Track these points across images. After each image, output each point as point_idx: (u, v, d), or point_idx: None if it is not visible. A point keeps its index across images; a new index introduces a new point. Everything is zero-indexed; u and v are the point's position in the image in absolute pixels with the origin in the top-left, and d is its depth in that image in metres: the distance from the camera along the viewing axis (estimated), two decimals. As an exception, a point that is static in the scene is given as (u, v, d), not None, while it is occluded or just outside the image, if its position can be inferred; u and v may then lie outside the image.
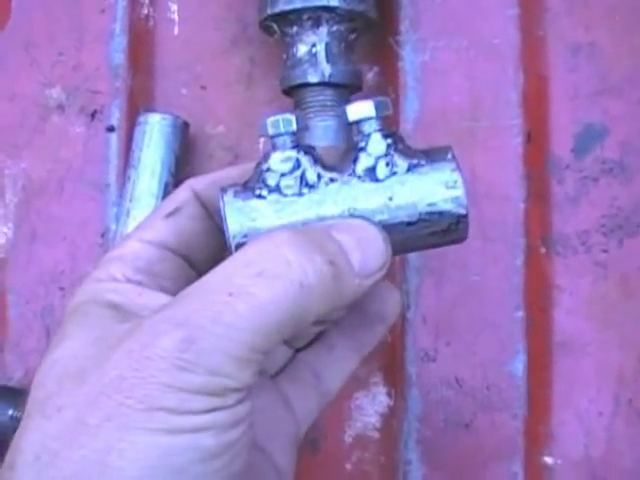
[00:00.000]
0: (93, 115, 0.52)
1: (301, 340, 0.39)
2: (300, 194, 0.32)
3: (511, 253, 0.49)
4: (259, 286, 0.28)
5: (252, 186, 0.33)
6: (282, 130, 0.33)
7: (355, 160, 0.33)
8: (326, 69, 0.46)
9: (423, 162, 0.33)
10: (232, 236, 0.32)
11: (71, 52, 0.52)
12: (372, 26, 0.48)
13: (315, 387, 0.39)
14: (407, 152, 0.33)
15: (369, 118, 0.33)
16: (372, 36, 0.50)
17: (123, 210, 0.49)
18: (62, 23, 0.53)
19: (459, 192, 0.33)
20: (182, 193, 0.36)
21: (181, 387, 0.28)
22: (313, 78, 0.46)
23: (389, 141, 0.33)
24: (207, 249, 0.36)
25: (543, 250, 0.50)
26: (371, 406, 0.51)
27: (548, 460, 0.49)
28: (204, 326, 0.28)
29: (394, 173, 0.33)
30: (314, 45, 0.46)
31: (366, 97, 0.34)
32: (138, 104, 0.52)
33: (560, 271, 0.50)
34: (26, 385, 0.51)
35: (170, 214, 0.35)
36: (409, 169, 0.33)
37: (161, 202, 0.37)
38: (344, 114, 0.33)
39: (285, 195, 0.32)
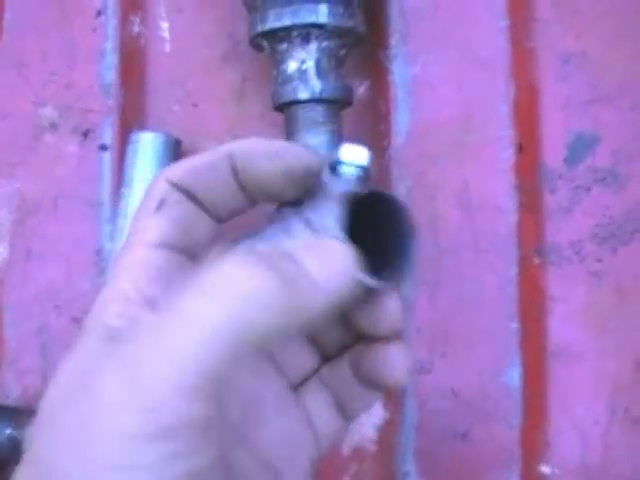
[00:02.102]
0: (86, 134, 0.52)
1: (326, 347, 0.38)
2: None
3: (505, 264, 0.49)
4: (200, 305, 0.27)
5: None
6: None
7: None
8: (316, 85, 0.46)
9: None
10: None
11: (63, 71, 0.53)
12: (362, 41, 0.49)
13: (337, 408, 0.37)
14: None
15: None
16: (362, 50, 0.51)
17: (117, 228, 0.49)
18: (53, 42, 0.53)
19: None
20: (160, 185, 0.34)
21: (122, 431, 0.26)
22: (303, 94, 0.46)
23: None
24: (199, 232, 0.34)
25: (537, 260, 0.50)
26: (367, 418, 0.51)
27: (545, 469, 0.49)
28: (148, 360, 0.26)
29: None
30: (304, 61, 0.46)
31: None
32: (130, 122, 0.52)
33: (554, 281, 0.50)
34: (23, 404, 0.51)
35: (158, 208, 0.33)
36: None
37: (140, 201, 0.35)
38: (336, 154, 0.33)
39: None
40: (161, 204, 0.34)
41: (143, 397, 0.26)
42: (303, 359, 0.37)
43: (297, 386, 0.37)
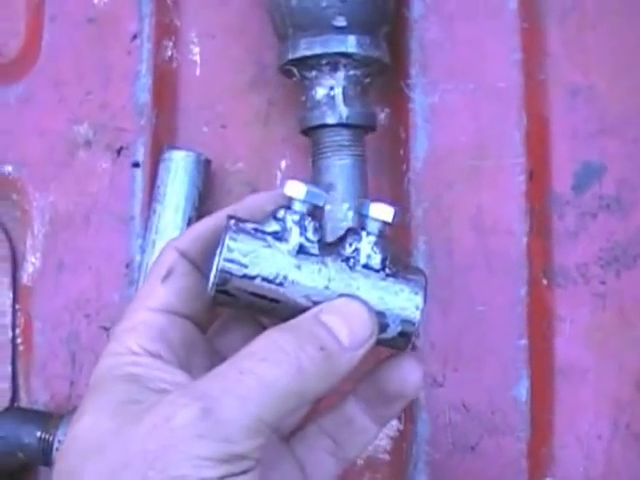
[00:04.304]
0: (119, 151, 0.54)
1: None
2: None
3: (514, 284, 0.51)
4: (264, 368, 0.33)
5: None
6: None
7: (346, 244, 0.37)
8: (343, 111, 0.49)
9: (396, 277, 0.38)
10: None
11: (98, 91, 0.54)
12: (385, 70, 0.51)
13: (333, 453, 0.41)
14: (391, 261, 0.38)
15: (383, 221, 0.37)
16: (385, 79, 0.53)
17: (149, 242, 0.51)
18: (90, 63, 0.55)
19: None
20: (169, 255, 0.38)
21: (198, 454, 0.31)
22: (331, 119, 0.48)
23: (380, 248, 0.37)
24: (202, 300, 0.38)
25: (545, 282, 0.52)
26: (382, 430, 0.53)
27: (550, 481, 0.52)
28: (219, 398, 0.32)
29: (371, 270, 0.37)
30: (332, 88, 0.49)
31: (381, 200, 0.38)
32: (162, 141, 0.54)
33: (561, 301, 0.52)
34: (52, 409, 0.52)
35: (166, 277, 0.38)
36: (386, 276, 0.37)
37: (151, 267, 0.40)
38: (360, 205, 0.38)
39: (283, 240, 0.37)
40: (169, 273, 0.38)
41: (220, 429, 0.32)
42: (299, 412, 0.41)
43: (288, 436, 0.41)
